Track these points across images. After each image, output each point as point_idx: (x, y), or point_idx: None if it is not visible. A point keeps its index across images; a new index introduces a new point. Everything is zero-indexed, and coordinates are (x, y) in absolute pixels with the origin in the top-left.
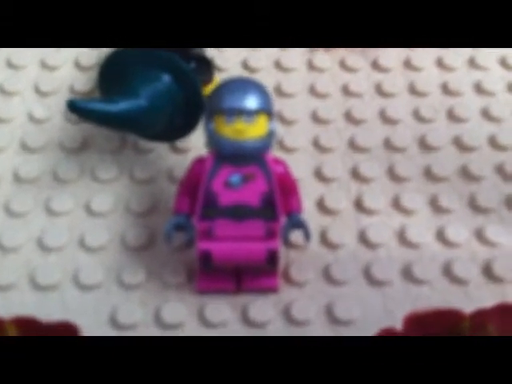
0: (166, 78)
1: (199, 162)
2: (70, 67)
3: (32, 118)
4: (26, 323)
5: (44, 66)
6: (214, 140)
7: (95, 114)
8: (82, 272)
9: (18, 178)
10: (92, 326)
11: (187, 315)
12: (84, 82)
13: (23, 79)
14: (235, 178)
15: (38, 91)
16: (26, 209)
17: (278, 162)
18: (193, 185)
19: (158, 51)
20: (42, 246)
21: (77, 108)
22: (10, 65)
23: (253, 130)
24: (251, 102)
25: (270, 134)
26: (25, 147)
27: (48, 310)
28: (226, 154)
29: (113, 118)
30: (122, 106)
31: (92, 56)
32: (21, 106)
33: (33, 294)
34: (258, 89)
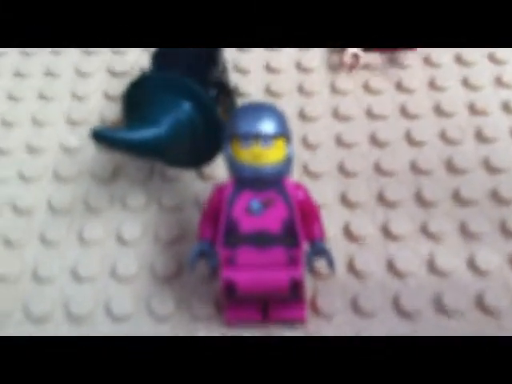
0: (186, 106)
1: (219, 189)
2: (99, 97)
3: (64, 148)
4: None
5: (75, 96)
6: (232, 165)
7: (117, 143)
8: (113, 302)
9: (51, 208)
10: None
11: None
12: (114, 112)
13: (55, 109)
14: (255, 204)
15: (70, 121)
16: (60, 238)
17: (298, 187)
18: (214, 212)
19: (179, 78)
20: (76, 276)
21: (100, 136)
22: (42, 96)
23: (270, 155)
24: (267, 126)
25: (289, 159)
26: (58, 177)
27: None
28: (245, 179)
29: (134, 146)
30: (143, 134)
31: (120, 86)
32: (53, 136)
33: (67, 325)
34: (274, 113)
